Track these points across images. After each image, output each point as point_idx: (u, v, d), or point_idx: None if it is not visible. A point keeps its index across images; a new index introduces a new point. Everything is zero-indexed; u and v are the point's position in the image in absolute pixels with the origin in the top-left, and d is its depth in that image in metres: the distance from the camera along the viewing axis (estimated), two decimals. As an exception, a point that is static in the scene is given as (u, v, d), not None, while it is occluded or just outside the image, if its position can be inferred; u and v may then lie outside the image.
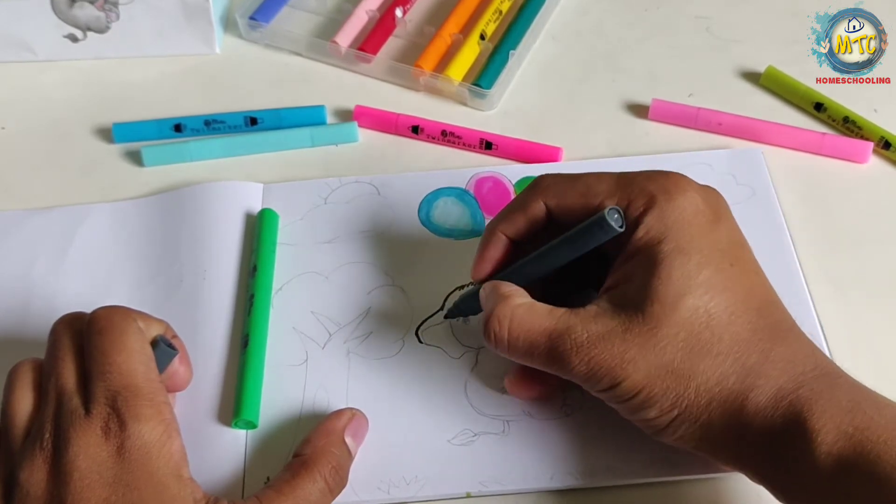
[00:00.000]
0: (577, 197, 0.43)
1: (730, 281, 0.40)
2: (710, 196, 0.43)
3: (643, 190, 0.42)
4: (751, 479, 0.40)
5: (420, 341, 0.50)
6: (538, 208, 0.44)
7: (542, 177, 0.45)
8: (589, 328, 0.40)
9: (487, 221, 0.54)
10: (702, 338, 0.39)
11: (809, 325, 0.49)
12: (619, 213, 0.41)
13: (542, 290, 0.44)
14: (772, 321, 0.40)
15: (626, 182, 0.42)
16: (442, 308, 0.51)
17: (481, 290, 0.45)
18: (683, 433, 0.40)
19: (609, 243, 0.42)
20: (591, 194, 0.43)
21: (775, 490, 0.39)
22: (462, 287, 0.51)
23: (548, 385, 0.46)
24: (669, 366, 0.39)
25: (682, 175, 0.43)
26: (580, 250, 0.42)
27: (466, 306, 0.49)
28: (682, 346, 0.39)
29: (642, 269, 0.40)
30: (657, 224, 0.41)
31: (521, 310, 0.42)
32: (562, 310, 0.41)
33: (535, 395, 0.46)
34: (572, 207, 0.43)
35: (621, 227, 0.41)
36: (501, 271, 0.46)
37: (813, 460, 0.37)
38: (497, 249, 0.46)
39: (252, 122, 0.61)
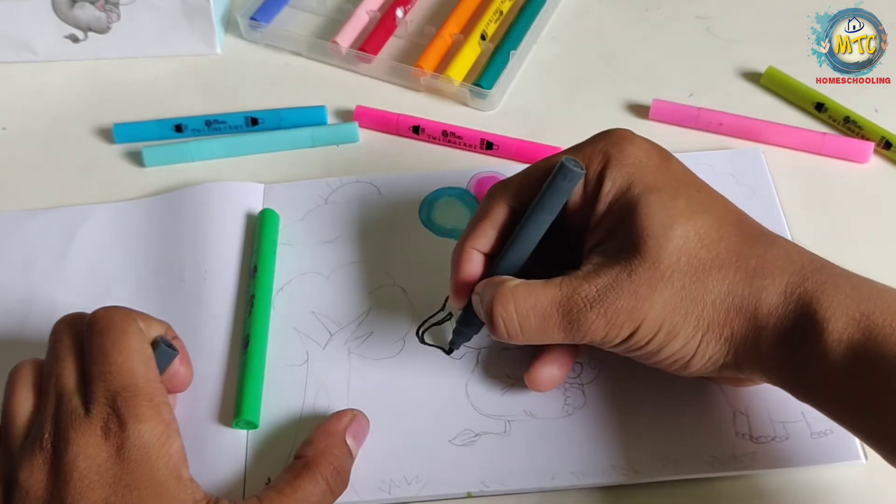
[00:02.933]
0: (535, 184, 0.44)
1: (704, 203, 0.42)
2: (653, 142, 0.45)
3: (594, 150, 0.43)
4: (774, 384, 0.41)
5: (422, 341, 0.50)
6: (502, 211, 0.45)
7: (493, 185, 0.46)
8: (594, 282, 0.41)
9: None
10: (701, 257, 0.40)
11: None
12: (575, 160, 0.42)
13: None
14: (755, 230, 0.42)
15: (575, 150, 0.44)
16: (443, 308, 0.50)
17: (473, 296, 0.44)
18: (711, 353, 0.41)
19: (577, 214, 0.43)
20: (548, 169, 0.43)
21: (796, 390, 0.40)
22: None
23: (565, 366, 0.46)
24: (682, 291, 0.40)
25: (624, 128, 0.45)
26: (553, 210, 0.43)
27: (467, 327, 0.47)
28: (686, 271, 0.40)
29: (621, 217, 0.42)
30: (619, 174, 0.42)
31: (520, 289, 0.42)
32: (558, 278, 0.42)
33: (556, 381, 0.46)
34: (535, 192, 0.43)
35: (582, 169, 0.42)
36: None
37: (826, 349, 0.38)
38: (472, 267, 0.45)
39: (253, 122, 0.61)
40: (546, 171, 0.43)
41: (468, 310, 0.46)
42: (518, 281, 0.43)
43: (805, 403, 0.40)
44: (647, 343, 0.41)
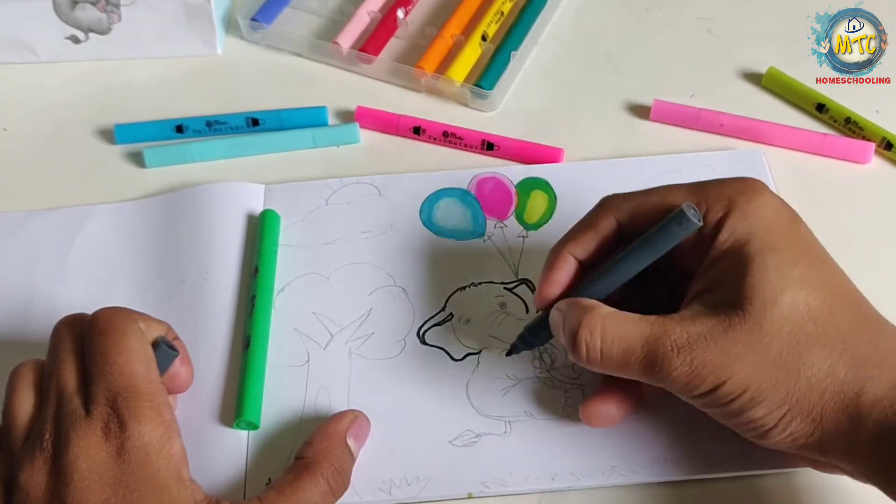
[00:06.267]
0: (651, 208, 0.42)
1: (823, 277, 0.40)
2: (782, 200, 0.43)
3: (720, 194, 0.41)
4: (857, 477, 0.40)
5: (423, 342, 0.50)
6: (609, 225, 0.43)
7: (609, 196, 0.44)
8: (688, 329, 0.39)
9: (489, 222, 0.54)
10: (806, 330, 0.38)
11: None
12: (694, 208, 0.41)
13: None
14: (869, 314, 0.40)
15: (701, 189, 0.42)
16: (444, 309, 0.51)
17: (554, 311, 0.43)
18: (794, 430, 0.39)
19: (685, 255, 0.42)
20: (666, 204, 0.42)
21: (888, 486, 0.38)
22: (463, 288, 0.51)
23: (624, 408, 0.45)
24: (777, 360, 0.38)
25: (755, 178, 0.43)
26: (659, 252, 0.41)
27: (534, 336, 0.46)
28: (787, 340, 0.38)
29: (733, 270, 0.40)
30: (741, 225, 0.40)
31: (611, 318, 0.41)
32: (653, 316, 0.40)
33: (611, 421, 0.45)
34: (647, 219, 0.42)
35: (699, 221, 0.40)
36: (569, 293, 0.44)
37: None
38: (565, 272, 0.44)
39: (254, 123, 0.61)
40: (665, 205, 0.42)
41: (542, 319, 0.45)
42: (610, 309, 0.41)
43: None
44: (729, 403, 0.39)
